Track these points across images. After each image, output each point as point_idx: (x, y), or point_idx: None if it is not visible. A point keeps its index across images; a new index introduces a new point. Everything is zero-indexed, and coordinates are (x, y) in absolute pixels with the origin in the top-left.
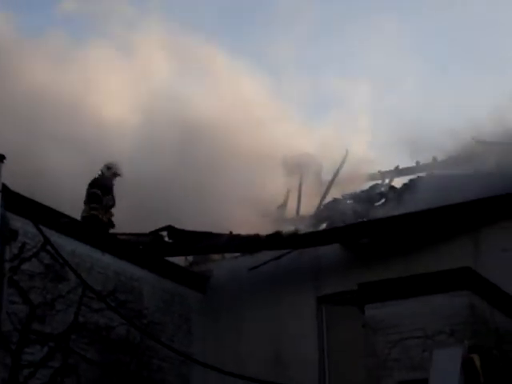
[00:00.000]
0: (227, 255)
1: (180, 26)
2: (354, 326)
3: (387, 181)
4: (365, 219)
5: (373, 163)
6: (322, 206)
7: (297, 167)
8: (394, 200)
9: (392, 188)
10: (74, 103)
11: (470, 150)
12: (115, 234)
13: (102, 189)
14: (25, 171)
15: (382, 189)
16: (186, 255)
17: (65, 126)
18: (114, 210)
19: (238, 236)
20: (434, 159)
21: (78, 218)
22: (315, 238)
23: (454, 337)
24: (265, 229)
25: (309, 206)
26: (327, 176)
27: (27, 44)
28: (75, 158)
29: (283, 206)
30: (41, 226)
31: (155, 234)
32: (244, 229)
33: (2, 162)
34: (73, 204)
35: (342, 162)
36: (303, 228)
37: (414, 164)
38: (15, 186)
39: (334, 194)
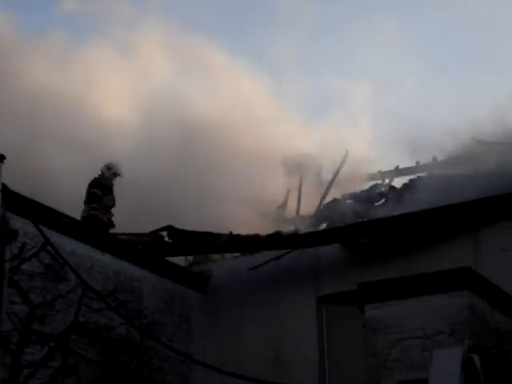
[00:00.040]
0: (227, 255)
1: (180, 25)
2: (354, 325)
3: (387, 181)
4: (365, 219)
5: (373, 163)
6: (321, 206)
7: (297, 167)
8: (393, 200)
9: (392, 188)
10: (74, 103)
11: (469, 150)
12: (115, 234)
13: (101, 189)
14: (25, 171)
15: (382, 189)
16: (186, 255)
17: (65, 126)
18: (114, 210)
19: (238, 236)
20: (434, 159)
21: (78, 218)
22: (315, 237)
23: (454, 337)
24: (265, 229)
25: (309, 206)
26: (327, 176)
27: (27, 44)
28: (75, 157)
29: (283, 205)
30: (41, 226)
31: (155, 233)
32: (244, 229)
33: (2, 162)
34: (73, 204)
35: (342, 162)
36: (303, 228)
37: (413, 164)
38: (15, 185)
39: (334, 193)
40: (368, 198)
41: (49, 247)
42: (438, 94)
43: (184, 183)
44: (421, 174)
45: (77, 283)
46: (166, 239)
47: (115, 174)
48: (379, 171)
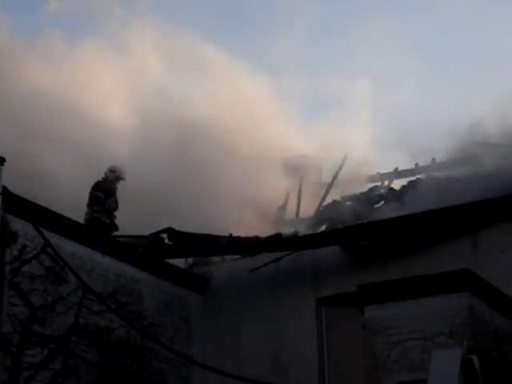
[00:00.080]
0: (227, 257)
1: (178, 25)
2: (354, 327)
3: (386, 183)
4: (364, 221)
5: (372, 165)
6: (321, 208)
7: (296, 169)
8: (393, 202)
9: (391, 190)
10: (70, 105)
11: (469, 152)
12: (115, 237)
13: (104, 192)
14: (25, 173)
15: (382, 191)
16: (186, 257)
17: (62, 128)
18: (117, 213)
19: (238, 238)
20: (433, 161)
21: (78, 220)
22: (315, 239)
23: (454, 338)
24: (264, 231)
25: (308, 208)
26: (327, 178)
27: (21, 45)
28: (74, 159)
29: (283, 207)
30: (41, 229)
31: (155, 236)
32: (244, 231)
33: (2, 164)
34: (73, 206)
35: (342, 164)
36: (303, 230)
37: (413, 166)
38: (15, 188)
39: (334, 195)
40: (367, 199)
41: (49, 249)
42: (438, 94)
43: (183, 185)
44: (420, 176)
45: (77, 285)
46: (166, 241)
47: (118, 178)
48: (378, 173)
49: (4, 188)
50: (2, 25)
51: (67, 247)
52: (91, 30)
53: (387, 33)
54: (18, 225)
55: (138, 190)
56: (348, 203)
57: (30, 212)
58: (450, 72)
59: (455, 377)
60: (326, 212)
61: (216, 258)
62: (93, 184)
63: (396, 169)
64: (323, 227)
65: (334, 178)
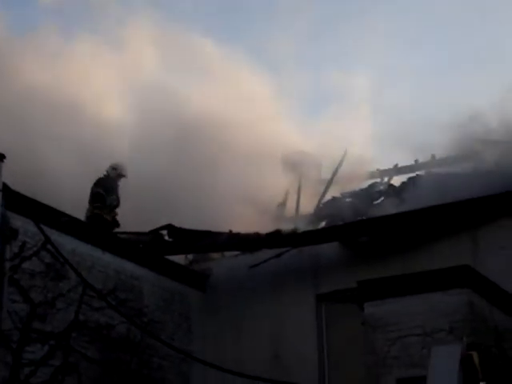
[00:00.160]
0: (227, 253)
1: (177, 21)
2: (354, 323)
3: (386, 179)
4: (364, 217)
5: (372, 161)
6: (321, 205)
7: (296, 166)
8: (392, 198)
9: (391, 186)
10: (69, 101)
11: (468, 148)
12: (115, 233)
13: (106, 189)
14: (25, 170)
15: (381, 187)
16: (186, 254)
17: (62, 125)
18: (118, 210)
19: (238, 234)
20: (433, 157)
21: (79, 216)
22: (314, 236)
23: (453, 334)
24: (264, 227)
25: (308, 205)
26: (326, 174)
27: (17, 41)
28: (74, 156)
29: (283, 204)
30: (41, 225)
31: (155, 232)
32: (244, 227)
33: (2, 161)
34: (73, 203)
35: (341, 161)
36: (303, 226)
37: (412, 162)
38: (15, 185)
39: (334, 192)
40: (367, 196)
41: (49, 246)
42: (438, 90)
43: (183, 182)
44: (420, 173)
45: (77, 282)
46: (166, 238)
47: (120, 175)
48: (378, 169)
49: (4, 185)
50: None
51: (67, 244)
52: (87, 26)
53: (387, 30)
54: (18, 221)
55: (137, 187)
56: (348, 200)
57: (30, 209)
58: (450, 68)
59: (455, 373)
60: (325, 208)
61: (216, 255)
62: (94, 181)
63: (396, 165)
64: (323, 224)
65: (334, 174)
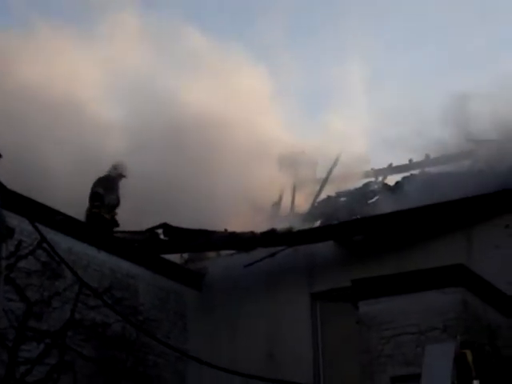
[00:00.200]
0: (222, 252)
1: (172, 16)
2: (348, 322)
3: (381, 178)
4: (358, 216)
5: (366, 161)
6: (316, 204)
7: (291, 165)
8: (387, 197)
9: (385, 185)
10: (61, 99)
11: (463, 148)
12: (111, 232)
13: (105, 188)
14: (20, 169)
15: (376, 186)
16: (182, 253)
17: (57, 123)
18: (118, 210)
19: (233, 233)
20: (427, 157)
21: (74, 215)
22: (309, 235)
23: (447, 333)
24: (259, 226)
25: (303, 204)
26: (321, 173)
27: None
28: (70, 155)
29: (278, 203)
30: (37, 224)
31: (151, 231)
32: (239, 226)
33: None
34: (69, 202)
35: (337, 160)
36: (298, 225)
37: (407, 162)
38: (11, 183)
39: (329, 191)
40: (362, 195)
41: (45, 245)
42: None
43: (177, 182)
44: (414, 172)
45: (73, 280)
46: (162, 237)
47: (120, 175)
48: (373, 169)
49: (0, 183)
50: None
51: (63, 243)
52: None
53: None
54: (14, 220)
55: (133, 187)
56: (342, 199)
57: (26, 207)
58: (444, 66)
59: (449, 371)
60: (320, 207)
61: (211, 254)
62: (94, 180)
63: (390, 164)
64: (318, 223)
65: (329, 173)
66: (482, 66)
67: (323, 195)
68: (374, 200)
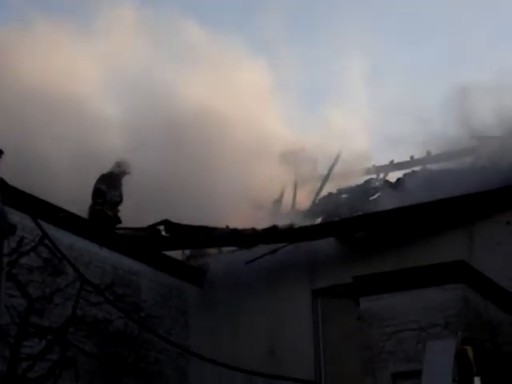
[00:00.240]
0: (224, 249)
1: (170, 10)
2: (349, 318)
3: (382, 175)
4: (360, 213)
5: (367, 158)
6: (317, 201)
7: (292, 161)
8: (388, 194)
9: (387, 182)
10: (66, 98)
11: (464, 144)
12: (113, 229)
13: (108, 185)
14: (22, 166)
15: (377, 183)
16: (183, 249)
17: (59, 122)
18: (121, 207)
19: (235, 230)
20: (429, 153)
21: (76, 212)
22: (311, 231)
23: (448, 329)
24: (261, 223)
25: (304, 201)
26: (322, 170)
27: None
28: (72, 152)
29: (279, 200)
30: (39, 221)
31: (152, 228)
32: (240, 223)
33: (0, 156)
34: (71, 198)
35: (338, 156)
36: (299, 222)
37: (408, 158)
38: (13, 180)
39: (330, 188)
40: (363, 192)
41: (47, 241)
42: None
43: (178, 179)
44: (415, 168)
45: (75, 277)
46: (163, 233)
47: (123, 172)
48: (374, 166)
49: (2, 180)
50: None
51: (65, 239)
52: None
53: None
54: (16, 217)
55: (134, 184)
56: (344, 196)
57: (27, 204)
58: (446, 62)
59: (449, 367)
60: (321, 204)
61: (213, 250)
62: (95, 176)
63: (391, 161)
64: (319, 219)
65: (330, 170)
66: (484, 61)
67: (324, 192)
68: (375, 197)
